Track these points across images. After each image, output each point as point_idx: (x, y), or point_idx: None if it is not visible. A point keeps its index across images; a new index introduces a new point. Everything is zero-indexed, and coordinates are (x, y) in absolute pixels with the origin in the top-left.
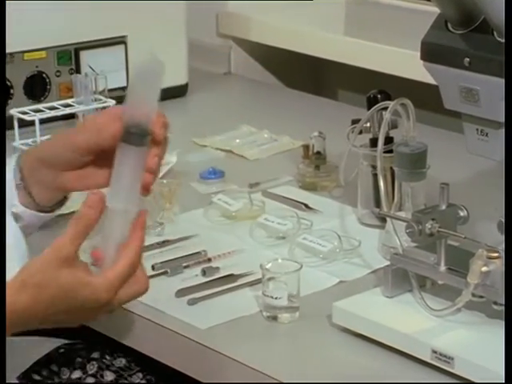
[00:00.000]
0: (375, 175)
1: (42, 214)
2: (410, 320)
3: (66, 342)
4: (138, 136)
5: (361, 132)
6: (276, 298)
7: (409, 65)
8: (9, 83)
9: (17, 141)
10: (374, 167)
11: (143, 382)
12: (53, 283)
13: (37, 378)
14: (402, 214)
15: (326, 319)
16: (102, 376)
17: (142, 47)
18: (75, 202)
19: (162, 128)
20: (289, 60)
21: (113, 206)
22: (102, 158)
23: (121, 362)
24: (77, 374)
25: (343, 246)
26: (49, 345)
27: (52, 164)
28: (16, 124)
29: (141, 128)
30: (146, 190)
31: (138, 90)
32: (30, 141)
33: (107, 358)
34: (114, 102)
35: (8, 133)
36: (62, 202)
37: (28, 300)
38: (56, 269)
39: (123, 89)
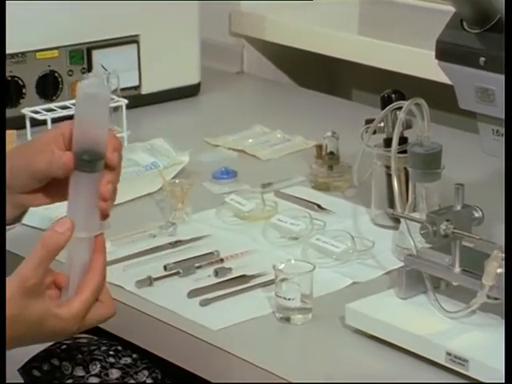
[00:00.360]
0: (389, 175)
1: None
2: (424, 322)
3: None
4: (89, 162)
5: (375, 132)
6: (289, 299)
7: (423, 64)
8: (21, 82)
9: (28, 139)
10: (388, 167)
11: (149, 379)
12: (22, 314)
13: (37, 373)
14: (416, 215)
15: (338, 321)
16: (106, 375)
17: (154, 46)
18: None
19: (114, 152)
20: (302, 59)
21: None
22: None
23: (126, 360)
24: (80, 372)
25: (356, 246)
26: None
27: (9, 186)
28: (28, 123)
29: (92, 154)
30: (103, 216)
31: (85, 114)
32: None
33: (111, 358)
34: (126, 101)
35: (20, 132)
36: (21, 216)
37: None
38: (23, 300)
39: (136, 88)
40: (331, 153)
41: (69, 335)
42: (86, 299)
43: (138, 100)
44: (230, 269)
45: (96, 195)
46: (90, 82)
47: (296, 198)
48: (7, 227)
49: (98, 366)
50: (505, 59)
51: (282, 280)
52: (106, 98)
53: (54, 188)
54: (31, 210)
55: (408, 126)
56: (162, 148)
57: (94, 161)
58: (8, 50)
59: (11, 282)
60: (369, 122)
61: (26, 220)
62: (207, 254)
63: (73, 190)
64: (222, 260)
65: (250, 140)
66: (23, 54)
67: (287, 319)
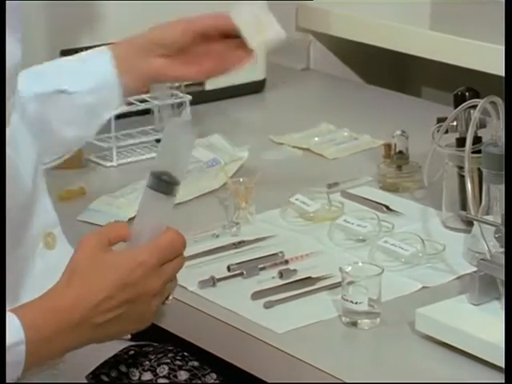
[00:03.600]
0: (461, 176)
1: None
2: (498, 329)
3: (135, 343)
4: (168, 184)
5: (447, 131)
6: (356, 303)
7: (498, 61)
8: None
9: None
10: (461, 168)
11: (217, 382)
12: (96, 263)
13: (105, 379)
14: (489, 218)
15: (407, 326)
16: (175, 376)
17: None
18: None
19: None
20: (370, 55)
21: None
22: (191, 53)
23: (193, 363)
24: (147, 376)
25: (426, 250)
26: (117, 346)
27: (162, 45)
28: None
29: (172, 177)
30: None
31: (172, 143)
32: (105, 136)
33: (178, 362)
34: (190, 97)
35: None
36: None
37: (76, 291)
38: (99, 252)
39: (200, 84)
40: (400, 152)
41: (150, 296)
42: (163, 243)
43: (201, 96)
44: (294, 270)
45: (165, 219)
46: (181, 119)
47: (363, 198)
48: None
49: (166, 368)
50: (505, 59)
51: (349, 283)
52: (193, 137)
53: (182, 63)
54: (98, 207)
55: (482, 125)
56: (220, 144)
57: (172, 184)
58: (73, 45)
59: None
60: (441, 120)
61: (92, 218)
62: (271, 255)
63: (143, 208)
64: (286, 261)
65: (316, 138)
66: (88, 48)
67: (354, 324)
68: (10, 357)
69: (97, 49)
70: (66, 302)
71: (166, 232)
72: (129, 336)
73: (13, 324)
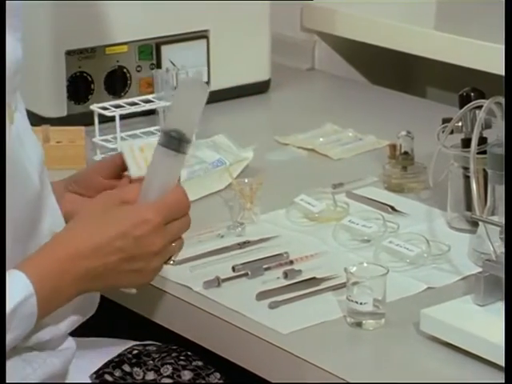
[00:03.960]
0: (466, 177)
1: None
2: (502, 330)
3: (138, 343)
4: (177, 141)
5: (452, 132)
6: (361, 304)
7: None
8: (90, 78)
9: (97, 136)
10: (466, 169)
11: (221, 382)
12: (101, 213)
13: (109, 378)
14: (495, 219)
15: (412, 327)
16: (179, 376)
17: (224, 42)
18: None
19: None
20: (375, 55)
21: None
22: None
23: (197, 363)
24: (151, 376)
25: (431, 250)
26: (120, 346)
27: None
28: (96, 120)
29: (181, 134)
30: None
31: (183, 101)
32: (109, 137)
33: (182, 362)
34: None
35: (88, 128)
36: None
37: (77, 235)
38: (106, 206)
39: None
40: (405, 153)
41: (154, 244)
42: (168, 201)
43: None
44: (299, 271)
45: (174, 177)
46: (194, 78)
47: (368, 199)
48: None
49: (170, 368)
50: (505, 59)
51: (354, 283)
52: (204, 95)
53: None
54: None
55: (487, 125)
56: (224, 144)
57: (182, 141)
58: (78, 45)
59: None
60: (446, 121)
61: None
62: (276, 255)
63: (153, 165)
64: (291, 262)
65: (321, 139)
66: (93, 49)
67: (359, 324)
68: (24, 310)
69: None
70: (69, 250)
71: (174, 190)
72: (133, 290)
73: (21, 280)
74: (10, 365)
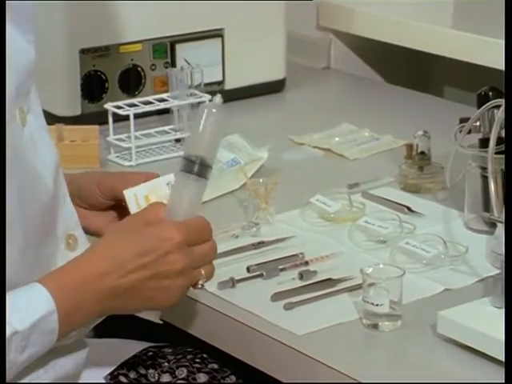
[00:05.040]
0: (484, 177)
1: None
2: None
3: (153, 344)
4: (199, 166)
5: (469, 131)
6: (377, 305)
7: None
8: (104, 77)
9: (111, 135)
10: (484, 169)
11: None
12: (123, 232)
13: (124, 380)
14: None
15: (429, 329)
16: (194, 379)
17: (239, 40)
18: None
19: None
20: (392, 54)
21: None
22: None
23: (213, 366)
24: (166, 378)
25: (448, 251)
26: (135, 347)
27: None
28: (110, 118)
29: (202, 159)
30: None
31: (204, 126)
32: (124, 136)
33: (197, 364)
34: (209, 96)
35: (102, 127)
36: None
37: (99, 255)
38: (129, 225)
39: (219, 83)
40: (422, 153)
41: (177, 268)
42: (193, 223)
43: (221, 96)
44: (315, 272)
45: (197, 202)
46: (215, 103)
47: (384, 199)
48: None
49: (185, 371)
50: (505, 58)
51: (370, 285)
52: (224, 121)
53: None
54: None
55: None
56: (239, 144)
57: (204, 166)
58: (92, 44)
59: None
60: (463, 120)
61: None
62: (291, 256)
63: (176, 191)
64: (306, 262)
65: (337, 138)
66: (107, 47)
67: (375, 326)
68: (45, 325)
69: None
70: (92, 266)
71: (197, 216)
72: (158, 320)
73: (42, 294)
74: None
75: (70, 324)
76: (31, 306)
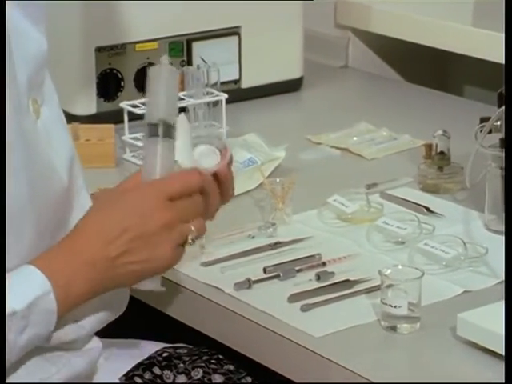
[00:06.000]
0: (505, 178)
1: None
2: None
3: (169, 345)
4: (162, 127)
5: (490, 131)
6: (395, 307)
7: None
8: (119, 75)
9: (126, 134)
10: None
11: None
12: (101, 205)
13: (139, 381)
14: None
15: (449, 331)
16: (209, 380)
17: (255, 38)
18: None
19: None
20: (411, 53)
21: None
22: None
23: (229, 367)
24: (181, 379)
25: (468, 253)
26: (151, 348)
27: None
28: (126, 117)
29: (162, 120)
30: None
31: (156, 89)
32: (139, 135)
33: (213, 365)
34: (226, 95)
35: (118, 126)
36: None
37: (85, 230)
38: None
39: (235, 82)
40: (441, 153)
41: (158, 213)
42: (172, 181)
43: (237, 94)
44: (332, 273)
45: (170, 161)
46: (163, 64)
47: (403, 199)
48: None
49: (201, 371)
50: (505, 58)
51: (388, 286)
52: (176, 74)
53: None
54: None
55: None
56: (256, 143)
57: (167, 126)
58: (108, 42)
59: None
60: (484, 120)
61: None
62: (308, 256)
63: (147, 157)
64: (323, 264)
65: (355, 138)
66: (123, 45)
67: (393, 328)
68: (43, 305)
69: None
70: (79, 241)
71: (177, 171)
72: (161, 288)
73: (37, 275)
74: (33, 364)
75: (66, 303)
76: (27, 287)
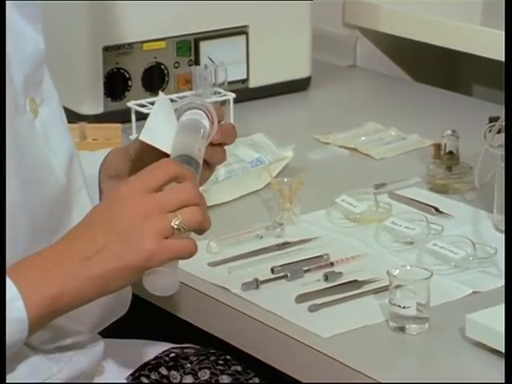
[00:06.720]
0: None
1: None
2: None
3: (176, 345)
4: None
5: (499, 131)
6: (404, 308)
7: None
8: (127, 75)
9: (133, 134)
10: None
11: None
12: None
13: (145, 381)
14: None
15: (457, 332)
16: (217, 381)
17: (263, 38)
18: None
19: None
20: (419, 52)
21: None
22: None
23: (236, 368)
24: (188, 380)
25: (477, 253)
26: (158, 348)
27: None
28: (133, 117)
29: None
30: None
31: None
32: None
33: (220, 366)
34: (233, 95)
35: (125, 126)
36: None
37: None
38: None
39: (243, 81)
40: (450, 152)
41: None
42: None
43: (245, 94)
44: (340, 273)
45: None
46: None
47: (411, 200)
48: None
49: (208, 372)
50: (505, 58)
51: (397, 287)
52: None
53: None
54: None
55: None
56: (264, 143)
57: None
58: (115, 41)
59: None
60: (493, 119)
61: None
62: (316, 257)
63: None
64: (331, 264)
65: (363, 138)
66: (130, 44)
67: (402, 329)
68: (11, 313)
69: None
70: (49, 250)
71: (150, 166)
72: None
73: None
74: (35, 363)
75: (42, 307)
76: None
